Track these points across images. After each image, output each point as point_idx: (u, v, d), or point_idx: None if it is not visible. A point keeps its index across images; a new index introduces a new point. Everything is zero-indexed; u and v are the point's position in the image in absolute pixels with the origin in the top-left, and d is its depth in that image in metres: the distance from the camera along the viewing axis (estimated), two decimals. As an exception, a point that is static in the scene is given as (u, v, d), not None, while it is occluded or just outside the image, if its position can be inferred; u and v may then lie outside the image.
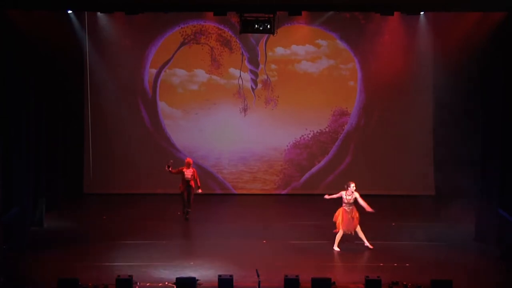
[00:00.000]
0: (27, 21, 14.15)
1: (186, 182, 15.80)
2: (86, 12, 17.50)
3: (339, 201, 13.85)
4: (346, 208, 13.70)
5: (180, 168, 15.89)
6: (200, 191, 15.95)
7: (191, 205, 15.90)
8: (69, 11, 16.74)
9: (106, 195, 18.27)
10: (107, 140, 18.58)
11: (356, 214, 13.72)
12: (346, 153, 18.85)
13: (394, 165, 18.52)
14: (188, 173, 15.82)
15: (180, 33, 18.55)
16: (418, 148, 18.57)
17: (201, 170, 17.82)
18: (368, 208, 13.69)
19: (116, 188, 18.51)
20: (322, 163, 18.94)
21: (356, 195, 13.72)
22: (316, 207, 17.44)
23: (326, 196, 13.96)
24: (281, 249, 13.88)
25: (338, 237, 13.75)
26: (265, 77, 18.77)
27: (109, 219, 16.10)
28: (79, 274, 11.66)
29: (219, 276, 11.11)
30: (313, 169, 18.94)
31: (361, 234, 13.81)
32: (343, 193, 13.74)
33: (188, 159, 16.06)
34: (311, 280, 11.09)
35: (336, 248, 13.73)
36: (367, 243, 13.83)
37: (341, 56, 18.71)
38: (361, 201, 13.73)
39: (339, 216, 13.73)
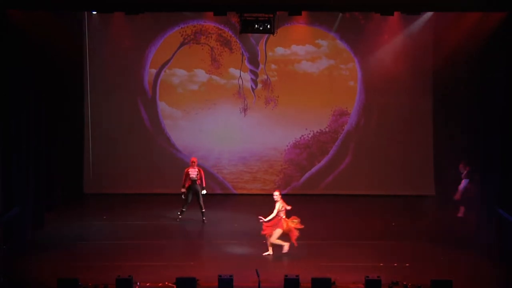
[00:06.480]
0: (27, 21, 14.14)
1: (192, 182, 15.61)
2: (86, 12, 17.52)
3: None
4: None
5: (185, 170, 15.71)
6: (204, 192, 15.68)
7: (203, 206, 15.67)
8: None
9: (106, 195, 18.26)
10: (107, 140, 18.57)
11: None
12: (346, 153, 18.84)
13: (394, 165, 18.51)
14: (193, 172, 15.59)
15: (180, 33, 18.54)
16: (418, 148, 18.55)
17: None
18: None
19: (116, 188, 18.50)
20: (322, 163, 18.93)
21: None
22: (316, 207, 17.49)
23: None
24: (281, 249, 13.85)
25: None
26: (265, 77, 18.77)
27: (109, 219, 16.10)
28: (79, 274, 11.65)
29: (219, 276, 11.10)
30: (313, 169, 18.93)
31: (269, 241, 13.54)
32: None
33: (192, 158, 15.79)
34: (311, 280, 11.09)
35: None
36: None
37: (341, 56, 18.70)
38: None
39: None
